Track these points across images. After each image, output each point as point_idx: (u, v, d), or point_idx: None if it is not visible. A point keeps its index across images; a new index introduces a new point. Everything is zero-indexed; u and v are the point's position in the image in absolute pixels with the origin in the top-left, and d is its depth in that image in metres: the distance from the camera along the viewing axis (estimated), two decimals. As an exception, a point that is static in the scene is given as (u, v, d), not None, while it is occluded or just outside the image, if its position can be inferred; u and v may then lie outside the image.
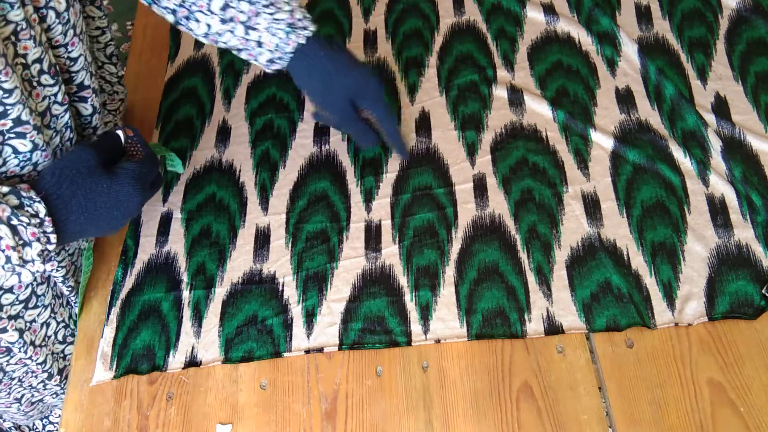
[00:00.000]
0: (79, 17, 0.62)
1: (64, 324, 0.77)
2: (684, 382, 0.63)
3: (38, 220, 0.54)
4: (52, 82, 0.59)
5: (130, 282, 0.75)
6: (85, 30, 0.66)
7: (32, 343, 0.72)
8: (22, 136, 0.57)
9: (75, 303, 0.76)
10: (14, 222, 0.53)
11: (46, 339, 0.74)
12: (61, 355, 0.79)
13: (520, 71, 0.85)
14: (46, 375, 0.76)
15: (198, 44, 0.95)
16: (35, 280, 0.69)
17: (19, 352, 0.71)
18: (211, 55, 0.93)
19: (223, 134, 0.85)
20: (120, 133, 0.64)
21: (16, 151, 0.58)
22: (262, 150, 0.83)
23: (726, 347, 0.64)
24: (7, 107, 0.54)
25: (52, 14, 0.58)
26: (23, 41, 0.55)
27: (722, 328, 0.65)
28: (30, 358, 0.73)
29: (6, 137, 0.56)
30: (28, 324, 0.71)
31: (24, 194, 0.54)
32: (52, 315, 0.74)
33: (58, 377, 0.79)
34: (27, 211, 0.54)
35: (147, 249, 0.77)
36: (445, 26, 0.90)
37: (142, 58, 0.96)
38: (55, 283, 0.73)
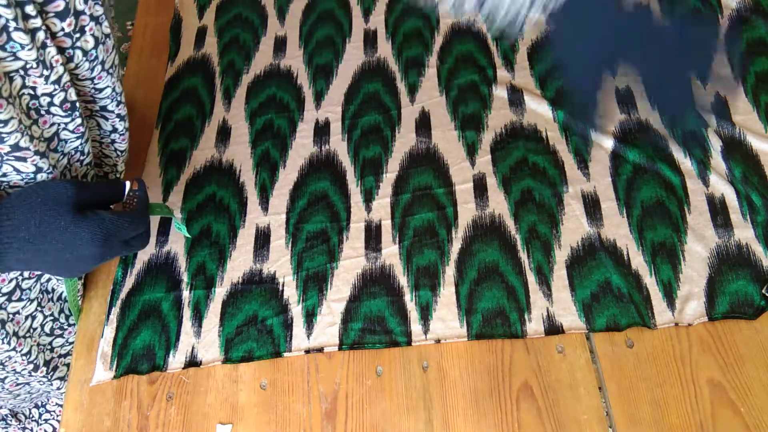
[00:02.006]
0: (111, 53, 0.62)
1: (52, 317, 0.76)
2: (684, 382, 0.63)
3: None
4: (63, 114, 0.59)
5: (130, 282, 0.75)
6: (116, 65, 0.66)
7: (15, 333, 0.71)
8: (22, 159, 0.57)
9: (67, 300, 0.75)
10: None
11: (32, 330, 0.73)
12: (48, 347, 0.77)
13: (520, 71, 0.85)
14: (32, 366, 0.76)
15: (198, 44, 0.95)
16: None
17: (1, 342, 0.71)
18: (211, 55, 0.93)
19: (223, 134, 0.85)
20: (127, 183, 0.62)
21: (17, 170, 0.57)
22: (262, 150, 0.83)
23: (726, 347, 0.64)
24: (3, 135, 0.53)
25: (78, 53, 0.58)
26: (33, 77, 0.55)
27: (722, 328, 0.65)
28: (14, 349, 0.72)
29: (4, 158, 0.56)
30: (11, 315, 0.70)
31: None
32: (39, 308, 0.73)
33: (45, 368, 0.78)
34: None
35: (147, 249, 0.77)
36: (445, 26, 0.90)
37: (142, 58, 0.96)
38: (49, 279, 0.73)
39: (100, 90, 0.64)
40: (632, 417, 0.62)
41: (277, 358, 0.69)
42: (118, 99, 0.66)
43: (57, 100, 0.58)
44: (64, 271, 0.58)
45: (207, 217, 0.78)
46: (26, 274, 0.69)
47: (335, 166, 0.80)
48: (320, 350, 0.69)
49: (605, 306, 0.67)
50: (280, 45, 0.93)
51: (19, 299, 0.70)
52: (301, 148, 0.82)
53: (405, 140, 0.81)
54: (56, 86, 0.57)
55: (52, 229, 0.54)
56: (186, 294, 0.74)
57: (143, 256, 0.77)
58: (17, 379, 0.77)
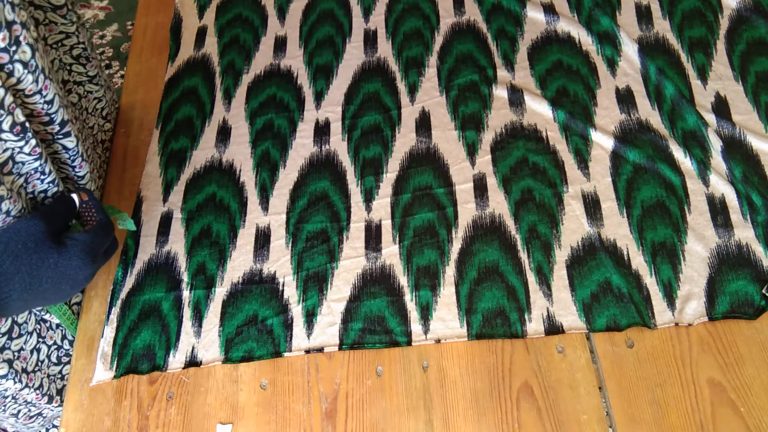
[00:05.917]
0: (44, 57, 0.60)
1: (56, 346, 0.75)
2: (684, 382, 0.63)
3: None
4: (15, 138, 0.57)
5: (130, 282, 0.75)
6: (52, 66, 0.62)
7: (24, 370, 0.70)
8: None
9: (63, 326, 0.75)
10: None
11: (39, 363, 0.73)
12: (59, 375, 0.77)
13: (521, 71, 0.85)
14: (46, 398, 0.75)
15: (198, 44, 0.95)
16: None
17: (13, 382, 0.70)
18: (211, 55, 0.93)
19: (223, 134, 0.85)
20: (75, 197, 0.62)
21: None
22: (263, 150, 0.83)
23: (726, 347, 0.64)
24: None
25: (19, 67, 0.55)
26: None
27: (722, 328, 0.65)
28: (27, 385, 0.71)
29: None
30: (16, 353, 0.69)
31: None
32: (41, 340, 0.72)
33: (58, 397, 0.77)
34: None
35: (147, 249, 0.77)
36: (445, 26, 0.90)
37: (142, 58, 0.96)
38: (41, 309, 0.72)
39: (51, 102, 0.61)
40: (632, 417, 0.62)
41: (277, 358, 0.69)
42: (64, 103, 0.63)
43: (7, 126, 0.55)
44: (62, 298, 0.59)
45: (207, 217, 0.78)
46: None
47: (335, 166, 0.80)
48: (320, 350, 0.69)
49: (605, 306, 0.67)
50: (280, 45, 0.93)
51: (19, 335, 0.69)
52: (301, 148, 0.82)
53: (405, 140, 0.81)
54: (1, 111, 0.54)
55: (42, 271, 0.55)
56: (186, 294, 0.74)
57: (143, 256, 0.77)
58: (30, 411, 0.77)
